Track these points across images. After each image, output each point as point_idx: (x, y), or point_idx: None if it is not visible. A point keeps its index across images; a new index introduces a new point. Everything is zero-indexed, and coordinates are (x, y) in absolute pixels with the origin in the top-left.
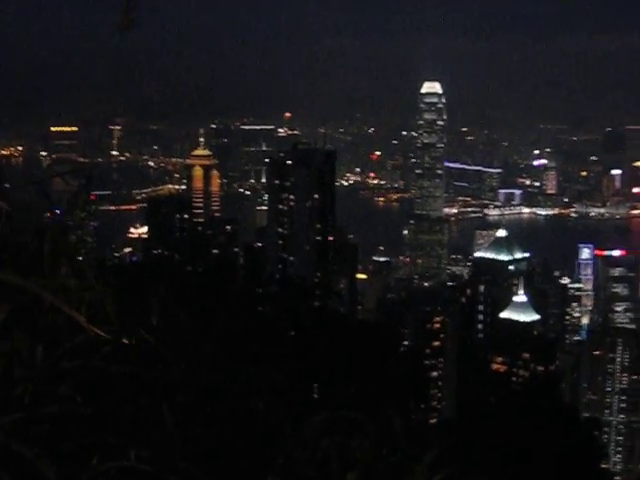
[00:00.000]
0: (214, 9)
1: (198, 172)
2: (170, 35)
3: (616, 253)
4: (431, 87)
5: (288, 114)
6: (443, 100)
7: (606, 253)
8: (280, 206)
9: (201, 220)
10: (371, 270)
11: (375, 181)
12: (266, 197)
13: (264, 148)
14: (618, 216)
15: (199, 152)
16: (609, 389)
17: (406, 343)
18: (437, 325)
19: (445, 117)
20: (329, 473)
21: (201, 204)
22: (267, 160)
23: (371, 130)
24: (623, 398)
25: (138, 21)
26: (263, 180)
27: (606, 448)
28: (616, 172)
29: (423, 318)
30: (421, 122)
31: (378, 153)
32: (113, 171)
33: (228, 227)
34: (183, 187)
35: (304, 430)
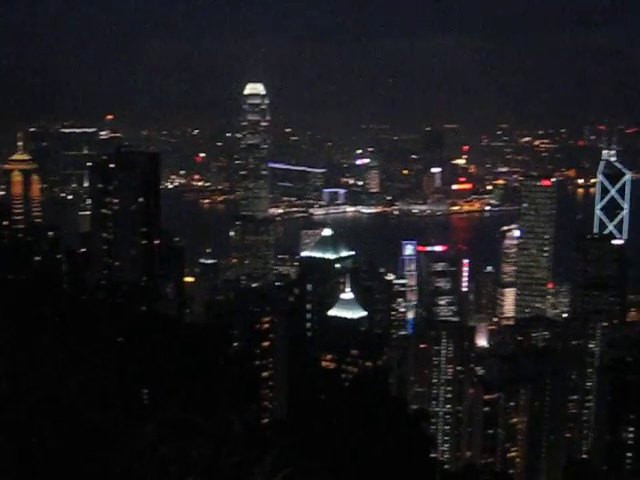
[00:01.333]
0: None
1: (17, 177)
2: None
3: (438, 249)
4: (254, 88)
5: (110, 116)
6: (266, 101)
7: (428, 249)
8: (104, 210)
9: (22, 227)
10: (198, 273)
11: (200, 183)
12: (89, 202)
13: (86, 152)
14: (439, 212)
15: (18, 157)
16: (435, 380)
17: (236, 344)
18: (266, 325)
19: (269, 118)
20: (169, 478)
21: (21, 210)
22: (89, 164)
23: (195, 132)
24: (449, 389)
25: None
26: (86, 184)
27: (434, 438)
28: (436, 170)
29: (252, 319)
30: (245, 123)
31: (202, 155)
32: None
33: (50, 233)
34: (2, 193)
35: (140, 436)
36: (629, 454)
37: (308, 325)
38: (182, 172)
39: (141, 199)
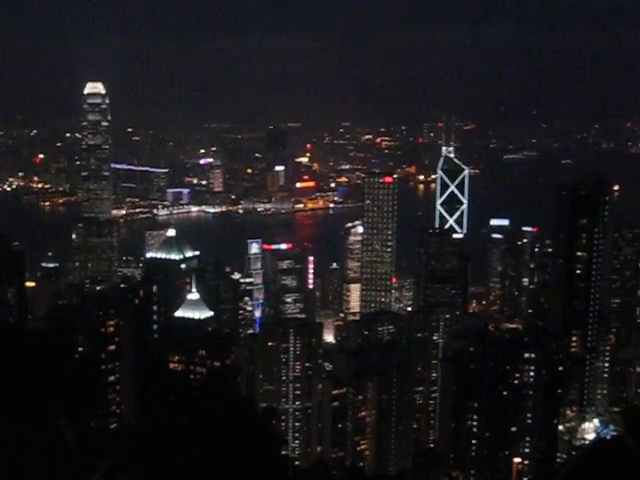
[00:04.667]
0: None
1: None
2: None
3: (283, 247)
4: (94, 87)
5: None
6: (107, 101)
7: (274, 247)
8: None
9: None
10: (40, 277)
11: (40, 185)
12: None
13: None
14: (283, 211)
15: None
16: (284, 378)
17: (81, 349)
18: (111, 329)
19: (110, 118)
20: None
21: None
22: None
23: (33, 132)
24: (297, 385)
25: None
26: None
27: (285, 435)
28: (280, 168)
29: (96, 323)
30: (85, 123)
31: (42, 156)
32: None
33: None
34: None
35: None
36: (474, 441)
37: (155, 327)
38: (20, 174)
39: None
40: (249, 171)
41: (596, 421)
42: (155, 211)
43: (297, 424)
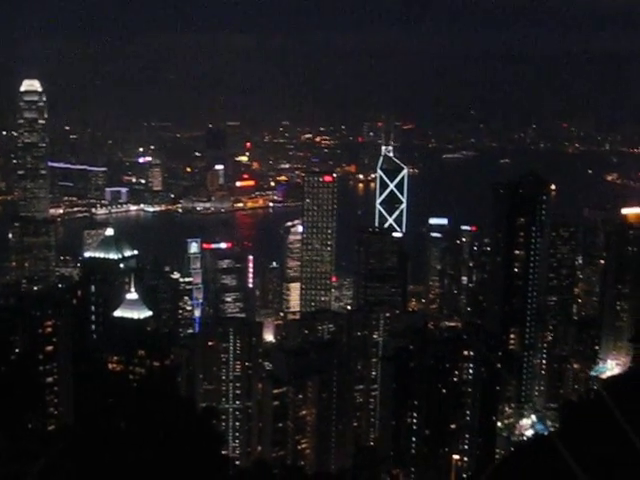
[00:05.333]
0: None
1: None
2: None
3: (223, 246)
4: (30, 85)
5: None
6: (44, 98)
7: (214, 246)
8: None
9: None
10: None
11: None
12: None
13: None
14: (223, 210)
15: None
16: (224, 377)
17: (18, 351)
18: (49, 329)
19: (46, 116)
20: None
21: None
22: None
23: None
24: (237, 385)
25: None
26: None
27: (225, 435)
28: (219, 167)
29: (34, 323)
30: (21, 121)
31: None
32: None
33: None
34: None
35: None
36: (413, 439)
37: (93, 327)
38: None
39: None
40: (188, 170)
41: (534, 417)
42: (93, 210)
43: (237, 424)
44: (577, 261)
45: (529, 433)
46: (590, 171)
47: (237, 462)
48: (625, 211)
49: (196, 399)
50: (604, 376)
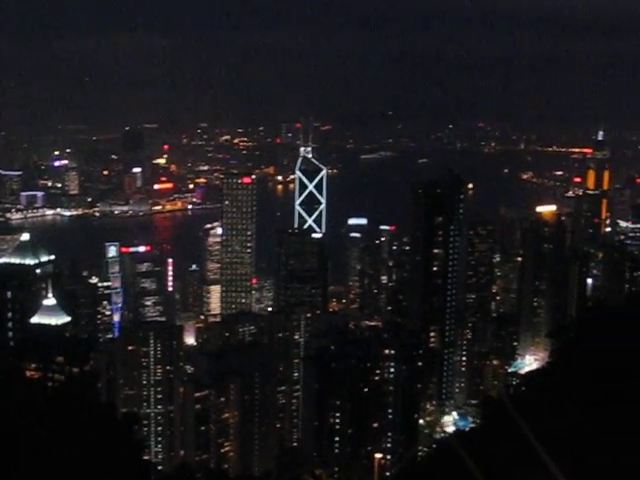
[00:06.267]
0: None
1: None
2: None
3: (142, 249)
4: None
5: None
6: None
7: (132, 250)
8: None
9: None
10: None
11: None
12: None
13: None
14: (141, 213)
15: None
16: (145, 382)
17: None
18: None
19: None
20: None
21: None
22: None
23: None
24: (159, 389)
25: None
26: None
27: (146, 440)
28: (137, 170)
29: None
30: None
31: None
32: None
33: None
34: None
35: None
36: (336, 438)
37: (10, 334)
38: None
39: None
40: (105, 173)
41: (455, 414)
42: (8, 215)
43: (159, 428)
44: (495, 259)
45: (451, 430)
46: (506, 170)
47: (160, 467)
48: (540, 209)
49: (117, 405)
50: (522, 372)
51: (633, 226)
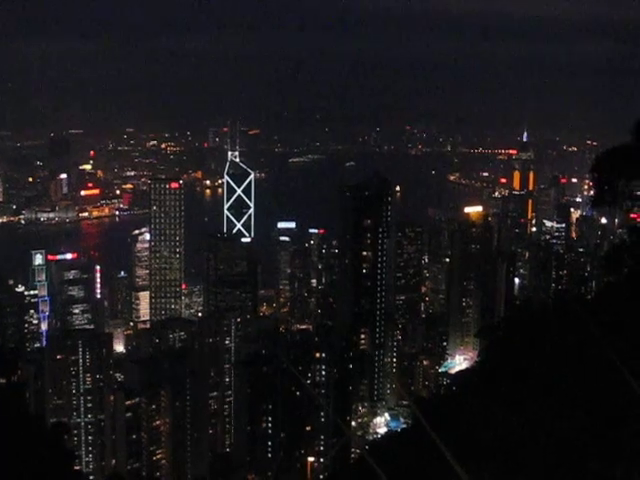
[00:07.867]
0: None
1: None
2: None
3: (69, 256)
4: None
5: None
6: None
7: (59, 257)
8: None
9: None
10: None
11: None
12: None
13: None
14: (68, 220)
15: None
16: (74, 391)
17: None
18: None
19: None
20: None
21: None
22: None
23: None
24: (89, 398)
25: None
26: None
27: (77, 450)
28: (63, 176)
29: None
30: None
31: None
32: None
33: None
34: None
35: None
36: (269, 443)
37: None
38: None
39: None
40: (30, 180)
41: (387, 415)
42: None
43: (90, 437)
44: (423, 260)
45: (383, 431)
46: (433, 172)
47: (91, 477)
48: (467, 210)
49: (46, 415)
50: (453, 371)
51: (558, 226)
